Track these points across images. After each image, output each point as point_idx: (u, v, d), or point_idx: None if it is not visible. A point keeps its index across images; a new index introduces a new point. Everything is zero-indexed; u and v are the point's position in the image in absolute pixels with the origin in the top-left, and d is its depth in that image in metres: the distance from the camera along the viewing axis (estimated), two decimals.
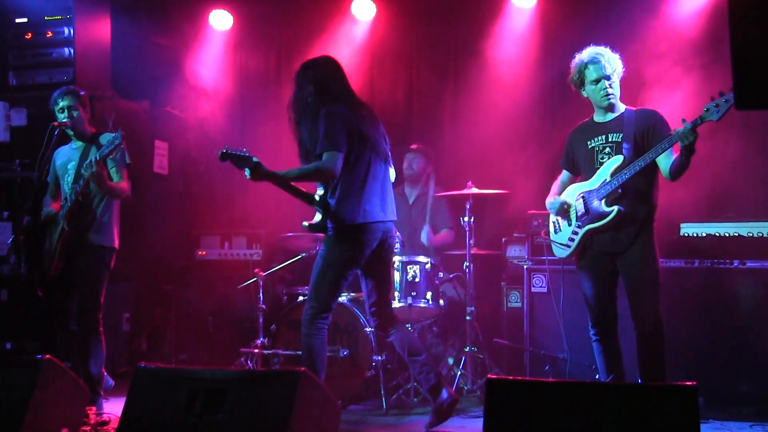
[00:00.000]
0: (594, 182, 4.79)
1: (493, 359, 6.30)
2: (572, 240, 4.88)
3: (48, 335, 6.29)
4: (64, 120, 5.43)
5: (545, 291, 6.07)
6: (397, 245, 6.24)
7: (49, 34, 6.81)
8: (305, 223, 4.91)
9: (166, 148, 7.70)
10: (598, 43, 4.94)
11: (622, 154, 4.68)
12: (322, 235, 4.93)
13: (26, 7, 6.87)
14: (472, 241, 6.31)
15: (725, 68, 6.06)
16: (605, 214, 4.68)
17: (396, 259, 6.15)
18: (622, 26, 6.96)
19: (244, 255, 7.33)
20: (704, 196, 6.53)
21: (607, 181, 4.69)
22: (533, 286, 6.15)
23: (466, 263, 6.29)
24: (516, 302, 6.50)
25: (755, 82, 2.25)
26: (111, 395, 5.56)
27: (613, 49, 4.91)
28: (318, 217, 4.87)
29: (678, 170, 4.54)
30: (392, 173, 5.08)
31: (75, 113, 5.47)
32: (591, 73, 4.78)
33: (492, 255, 6.87)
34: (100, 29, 7.13)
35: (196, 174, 7.96)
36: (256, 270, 6.46)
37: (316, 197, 4.88)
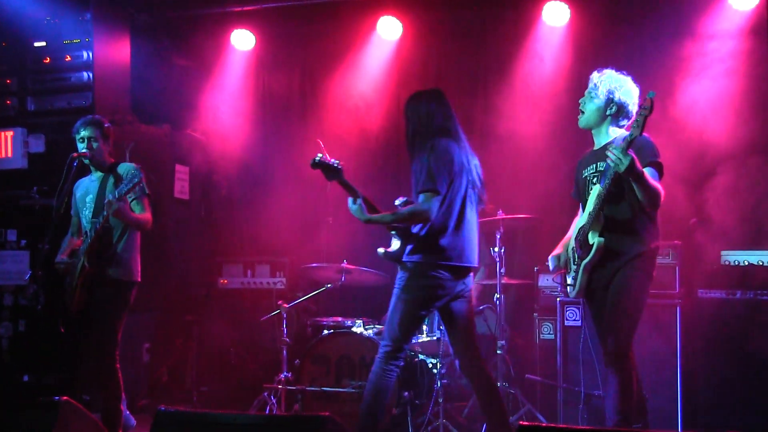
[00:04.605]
0: (585, 215, 4.51)
1: (525, 395, 6.07)
2: (575, 279, 4.55)
3: (66, 368, 6.16)
4: (83, 150, 5.29)
5: (579, 324, 5.85)
6: None
7: (68, 58, 6.65)
8: (381, 250, 4.68)
9: (187, 173, 7.55)
10: (631, 59, 4.74)
11: (600, 183, 4.39)
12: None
13: (45, 31, 6.71)
14: (503, 271, 6.10)
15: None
16: (590, 248, 4.38)
17: None
18: (656, 42, 6.72)
19: (268, 283, 7.17)
20: (746, 222, 6.28)
21: (590, 212, 4.41)
22: (567, 320, 5.95)
23: (497, 295, 6.08)
24: (549, 334, 6.27)
25: None
26: None
27: (646, 66, 4.70)
28: (396, 244, 4.65)
29: (642, 198, 4.21)
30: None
31: (95, 144, 5.31)
32: None
33: (524, 284, 6.64)
34: (120, 52, 6.98)
35: (217, 199, 7.79)
36: (280, 302, 6.24)
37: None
